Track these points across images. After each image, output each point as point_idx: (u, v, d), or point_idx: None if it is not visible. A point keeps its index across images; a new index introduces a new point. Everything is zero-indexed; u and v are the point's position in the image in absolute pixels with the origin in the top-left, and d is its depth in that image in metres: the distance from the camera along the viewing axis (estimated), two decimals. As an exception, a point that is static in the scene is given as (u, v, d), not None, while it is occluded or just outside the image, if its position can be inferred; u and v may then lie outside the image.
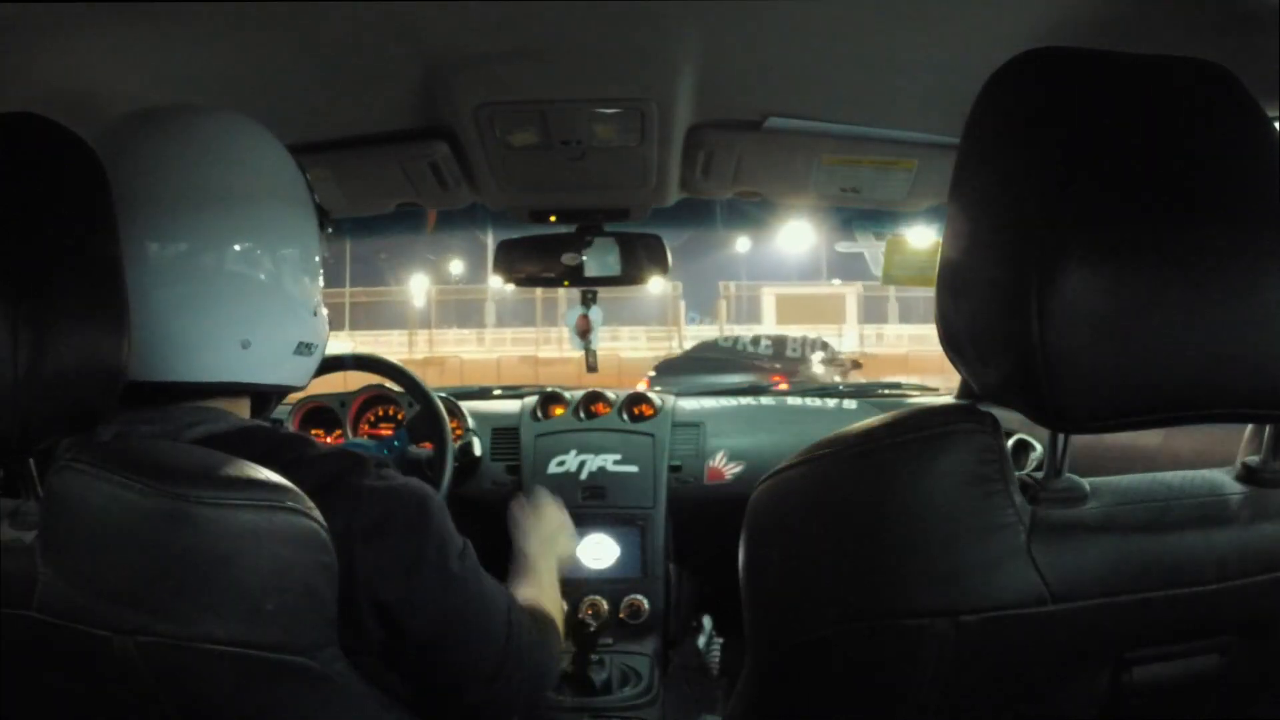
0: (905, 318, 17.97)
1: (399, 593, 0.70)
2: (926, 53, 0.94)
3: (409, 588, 0.70)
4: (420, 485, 0.75)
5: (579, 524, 1.59)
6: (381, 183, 1.34)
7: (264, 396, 0.85)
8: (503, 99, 1.06)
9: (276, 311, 0.78)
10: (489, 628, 0.78)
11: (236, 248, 0.74)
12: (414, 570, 0.71)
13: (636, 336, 19.86)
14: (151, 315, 0.69)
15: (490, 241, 1.63)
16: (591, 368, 1.72)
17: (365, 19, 0.86)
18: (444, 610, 0.73)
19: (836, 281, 18.77)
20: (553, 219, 1.49)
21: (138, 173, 0.70)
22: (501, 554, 0.99)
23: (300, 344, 0.81)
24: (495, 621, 0.79)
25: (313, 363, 0.85)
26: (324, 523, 0.62)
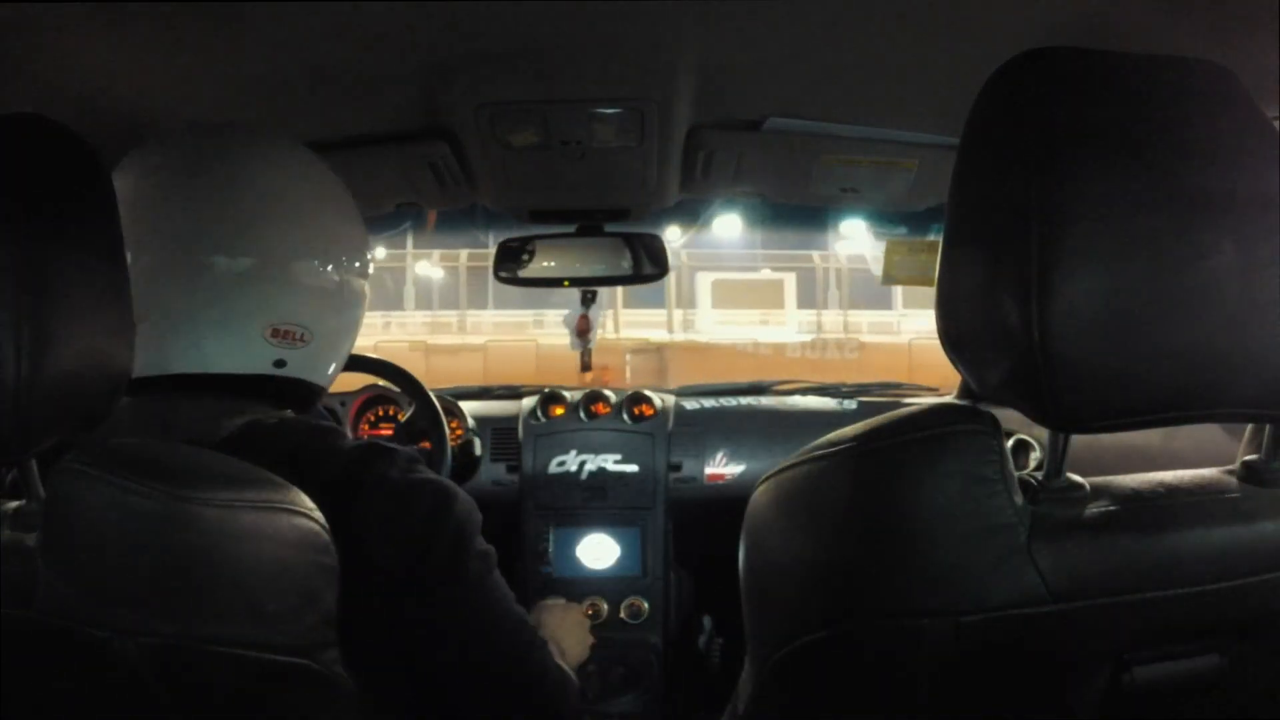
0: (852, 303, 16.79)
1: (408, 578, 0.71)
2: (926, 53, 0.94)
3: (418, 574, 0.71)
4: (448, 484, 0.76)
5: (579, 524, 1.60)
6: (381, 183, 1.34)
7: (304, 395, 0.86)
8: (503, 99, 1.06)
9: (334, 306, 0.83)
10: (502, 636, 0.77)
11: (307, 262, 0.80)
12: (425, 557, 0.71)
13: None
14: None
15: (490, 240, 1.62)
16: (586, 367, 1.72)
17: (365, 19, 0.86)
18: (453, 602, 0.73)
19: (767, 271, 17.78)
20: (553, 219, 1.49)
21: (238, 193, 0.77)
22: (502, 553, 0.99)
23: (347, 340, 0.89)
24: (513, 632, 0.78)
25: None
26: (324, 523, 0.63)
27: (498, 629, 0.77)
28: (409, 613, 0.71)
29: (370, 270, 0.88)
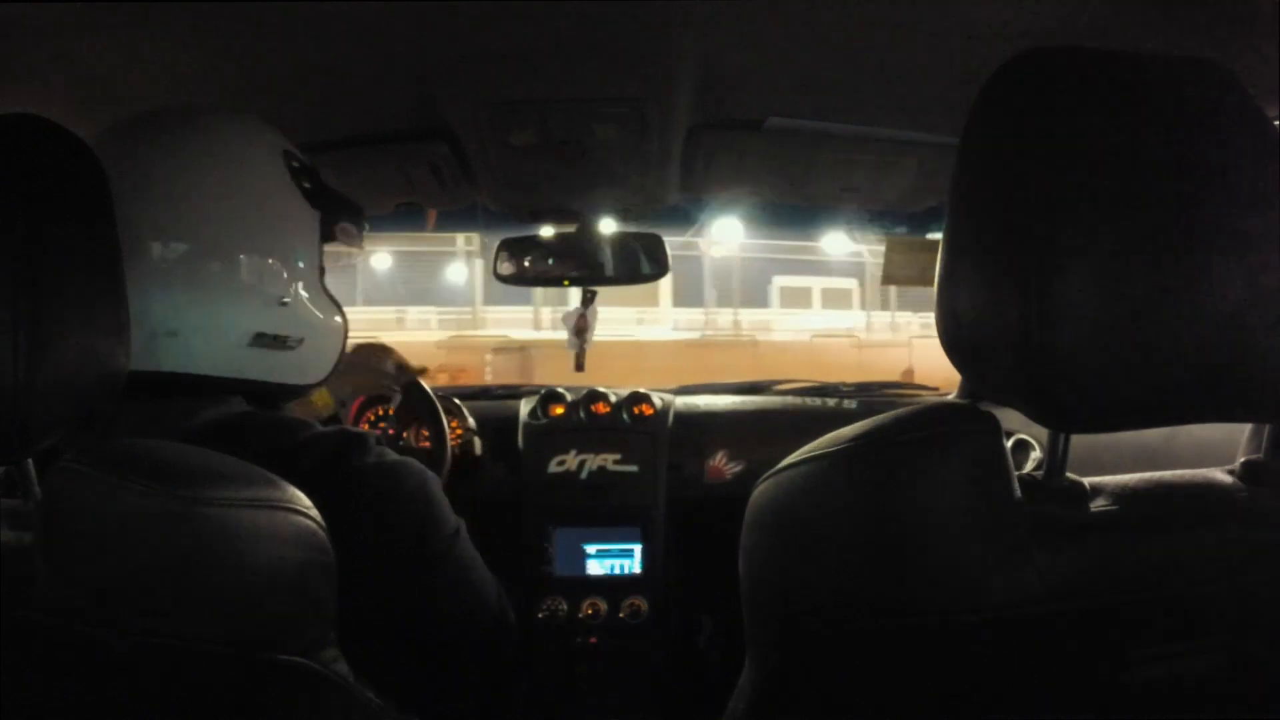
0: (724, 302, 15.46)
1: (402, 567, 0.75)
2: (926, 53, 0.94)
3: (411, 563, 0.75)
4: (417, 463, 0.80)
5: (579, 524, 1.60)
6: (381, 183, 1.34)
7: (264, 395, 0.85)
8: (503, 99, 1.06)
9: (212, 301, 0.78)
10: (479, 607, 0.84)
11: (168, 242, 0.76)
12: (419, 544, 0.76)
13: (426, 318, 15.69)
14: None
15: (490, 241, 1.62)
16: (579, 366, 1.73)
17: (365, 19, 0.86)
18: (443, 583, 0.79)
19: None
20: (553, 218, 1.50)
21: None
22: (503, 553, 1.00)
23: (257, 335, 0.81)
24: (486, 603, 0.85)
25: (297, 356, 0.85)
26: (321, 521, 0.63)
27: (483, 589, 0.84)
28: (407, 589, 0.75)
29: (240, 246, 0.82)
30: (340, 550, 0.65)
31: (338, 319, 0.90)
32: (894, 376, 1.94)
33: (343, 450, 0.75)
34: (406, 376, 1.45)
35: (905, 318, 12.97)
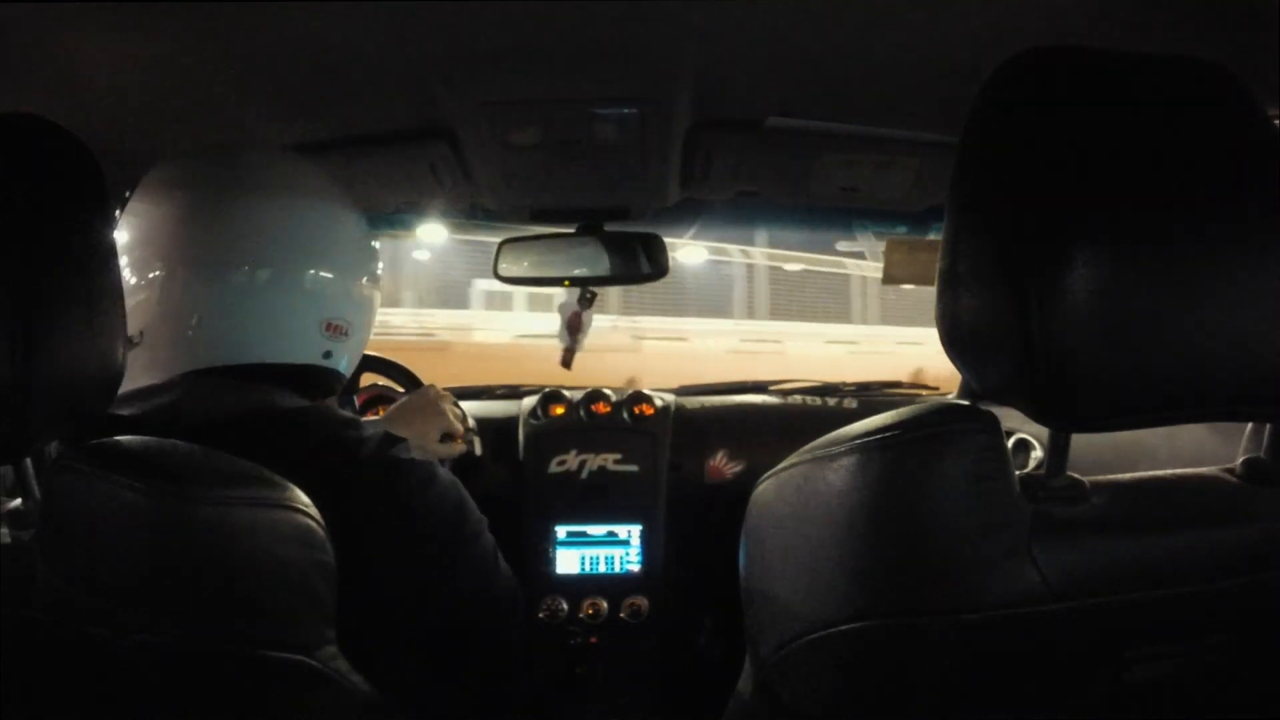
0: (424, 304, 15.63)
1: (442, 546, 0.84)
2: (926, 53, 0.94)
3: (450, 541, 0.85)
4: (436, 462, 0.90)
5: (579, 523, 1.60)
6: (381, 183, 1.34)
7: (319, 382, 0.94)
8: (503, 98, 1.06)
9: (289, 303, 0.89)
10: (498, 593, 0.92)
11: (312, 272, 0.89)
12: (459, 524, 0.86)
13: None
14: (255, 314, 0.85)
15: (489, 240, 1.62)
16: (566, 364, 1.73)
17: (365, 19, 0.86)
18: (474, 563, 0.88)
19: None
20: (553, 218, 1.49)
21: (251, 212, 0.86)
22: (503, 553, 1.00)
23: (325, 323, 0.93)
24: (503, 590, 0.93)
25: (350, 343, 0.97)
26: (321, 521, 0.63)
27: (502, 575, 0.93)
28: (445, 566, 0.84)
29: (380, 276, 0.98)
30: (388, 532, 0.74)
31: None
32: (618, 382, 1.94)
33: (392, 442, 0.84)
34: (414, 382, 1.45)
35: (636, 321, 12.55)
